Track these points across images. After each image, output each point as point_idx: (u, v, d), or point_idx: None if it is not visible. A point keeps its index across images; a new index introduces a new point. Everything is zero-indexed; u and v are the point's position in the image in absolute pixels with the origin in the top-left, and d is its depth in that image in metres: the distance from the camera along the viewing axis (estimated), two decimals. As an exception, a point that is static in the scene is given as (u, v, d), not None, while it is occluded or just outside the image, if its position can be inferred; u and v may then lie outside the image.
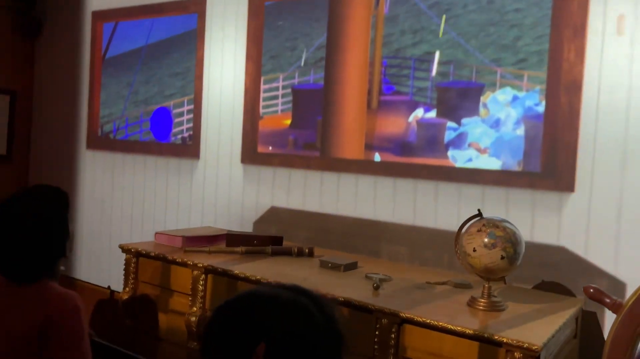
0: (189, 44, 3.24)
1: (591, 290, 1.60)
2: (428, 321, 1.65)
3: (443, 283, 2.05)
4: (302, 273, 2.10)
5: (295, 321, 0.96)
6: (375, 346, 1.74)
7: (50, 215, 1.62)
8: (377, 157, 2.54)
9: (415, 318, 1.67)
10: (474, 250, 1.71)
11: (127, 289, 2.37)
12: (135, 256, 2.37)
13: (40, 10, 4.04)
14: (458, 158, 2.34)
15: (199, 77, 3.19)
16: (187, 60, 3.25)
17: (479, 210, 1.79)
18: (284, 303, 0.97)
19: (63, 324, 1.52)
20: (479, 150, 2.31)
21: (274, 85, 2.91)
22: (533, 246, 2.15)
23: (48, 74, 4.06)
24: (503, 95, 2.26)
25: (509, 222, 1.76)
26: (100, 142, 3.70)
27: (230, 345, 0.95)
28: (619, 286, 2.00)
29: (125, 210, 3.55)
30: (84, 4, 3.79)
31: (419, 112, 2.45)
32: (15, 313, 1.54)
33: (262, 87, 2.94)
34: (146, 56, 3.45)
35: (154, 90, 3.41)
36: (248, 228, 2.94)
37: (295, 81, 2.83)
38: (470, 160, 2.31)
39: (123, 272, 2.40)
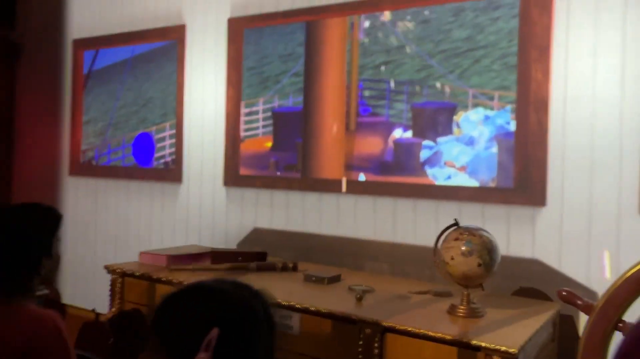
0: (170, 62, 3.31)
1: (564, 293, 1.67)
2: (409, 328, 1.71)
3: (424, 293, 2.11)
4: (286, 287, 2.15)
5: (239, 311, 1.04)
6: (360, 356, 1.78)
7: (26, 230, 1.59)
8: (362, 177, 2.61)
9: (397, 327, 1.73)
10: (452, 258, 1.79)
11: (113, 309, 2.38)
12: (120, 277, 2.39)
13: (20, 34, 4.08)
14: (438, 176, 2.43)
15: (179, 102, 3.26)
16: (168, 83, 3.32)
17: (455, 220, 1.87)
18: (229, 295, 1.06)
19: (45, 347, 1.47)
20: (454, 168, 2.40)
21: (255, 109, 2.99)
22: (509, 260, 2.23)
23: (29, 100, 4.09)
24: (475, 114, 2.37)
25: (485, 230, 1.84)
26: (83, 168, 3.73)
27: (180, 332, 1.01)
28: (592, 296, 2.08)
29: (109, 234, 3.56)
30: (65, 31, 3.85)
31: (397, 133, 2.54)
32: None
33: (243, 110, 3.02)
34: (129, 74, 3.51)
35: (135, 116, 3.46)
36: (231, 249, 2.98)
37: (275, 104, 2.92)
38: (449, 177, 2.40)
39: (109, 293, 2.41)
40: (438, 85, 2.45)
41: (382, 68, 2.60)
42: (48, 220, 1.73)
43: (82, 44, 3.75)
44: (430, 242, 2.36)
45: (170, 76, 3.31)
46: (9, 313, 1.51)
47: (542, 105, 2.21)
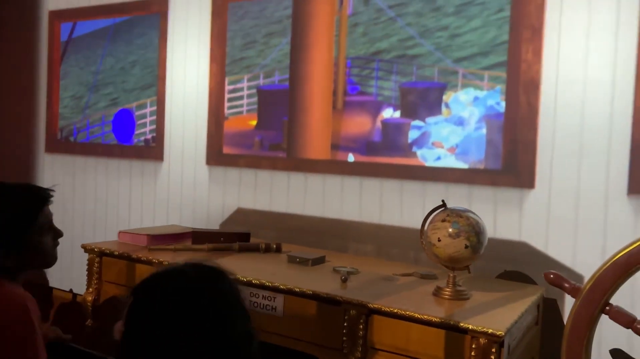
0: (152, 35, 3.21)
1: (551, 276, 1.66)
2: (395, 310, 1.68)
3: (409, 275, 2.09)
4: (270, 268, 2.10)
5: (168, 279, 1.03)
6: (344, 338, 1.75)
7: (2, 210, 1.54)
8: (351, 157, 2.56)
9: (383, 308, 1.70)
10: (439, 240, 1.75)
11: (90, 290, 2.31)
12: (98, 256, 2.32)
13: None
14: (427, 157, 2.39)
15: (161, 78, 3.17)
16: (149, 57, 3.23)
17: (443, 201, 1.84)
18: (166, 269, 1.07)
19: (8, 327, 1.43)
20: (442, 149, 2.36)
21: (239, 85, 2.91)
22: (496, 242, 2.21)
23: (3, 75, 3.95)
24: (465, 95, 2.32)
25: (472, 212, 1.81)
26: (60, 145, 3.62)
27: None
28: (577, 278, 2.07)
29: (87, 212, 3.47)
30: (40, 2, 3.71)
31: (386, 112, 2.49)
32: None
33: (227, 87, 2.94)
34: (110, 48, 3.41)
35: (115, 91, 3.36)
36: (214, 230, 2.92)
37: (260, 82, 2.84)
38: (439, 158, 2.36)
39: (86, 273, 2.35)
40: (428, 64, 2.40)
41: (371, 46, 2.54)
42: (29, 200, 1.65)
43: (59, 16, 3.62)
44: (416, 224, 2.33)
45: (152, 50, 3.21)
46: None
47: (533, 87, 2.18)
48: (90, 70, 3.49)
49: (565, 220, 2.13)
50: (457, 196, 2.32)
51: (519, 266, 2.21)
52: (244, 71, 2.89)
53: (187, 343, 0.95)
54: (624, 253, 1.59)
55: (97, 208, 3.43)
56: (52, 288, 3.57)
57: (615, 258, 1.59)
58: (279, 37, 2.79)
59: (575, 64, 2.12)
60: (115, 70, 3.38)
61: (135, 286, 1.04)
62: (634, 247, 1.57)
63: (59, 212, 3.57)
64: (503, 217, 2.25)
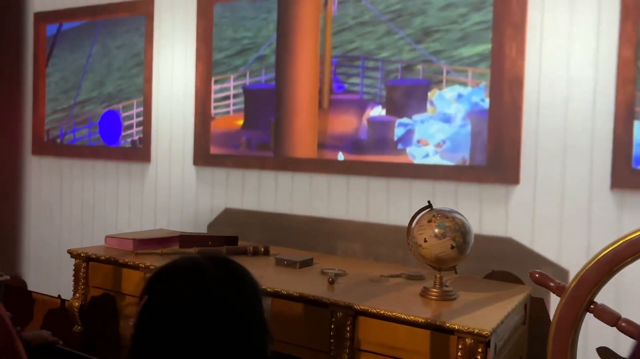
0: (138, 36, 3.19)
1: (537, 275, 1.67)
2: (382, 312, 1.68)
3: (396, 276, 2.09)
4: (258, 271, 2.09)
5: (184, 271, 0.96)
6: (332, 340, 1.76)
7: None
8: (341, 156, 2.55)
9: (370, 310, 1.70)
10: (425, 241, 1.76)
11: (77, 295, 2.31)
12: (85, 261, 2.31)
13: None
14: (416, 154, 2.39)
15: (147, 79, 3.14)
16: (135, 58, 3.20)
17: (429, 202, 1.84)
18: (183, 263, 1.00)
19: None
20: (428, 146, 2.36)
21: (225, 85, 2.90)
22: (482, 238, 2.22)
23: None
24: (450, 92, 2.32)
25: (458, 213, 1.82)
26: (47, 147, 3.59)
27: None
28: (563, 274, 2.09)
29: (74, 216, 3.45)
30: (25, 4, 3.67)
31: (372, 111, 2.49)
32: None
33: (213, 87, 2.93)
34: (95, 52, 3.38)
35: (102, 93, 3.34)
36: (202, 231, 2.91)
37: (247, 81, 2.83)
38: (427, 156, 2.36)
39: (73, 278, 2.34)
40: (412, 61, 2.39)
41: (356, 44, 2.53)
42: None
43: (44, 17, 3.58)
44: (403, 222, 2.34)
45: (137, 53, 3.19)
46: None
47: (516, 83, 2.18)
48: (77, 70, 3.46)
49: (550, 215, 2.14)
50: (444, 193, 2.32)
51: (506, 263, 2.22)
52: (230, 71, 2.87)
53: (201, 347, 0.88)
54: (608, 251, 1.60)
55: (84, 211, 3.41)
56: (30, 292, 3.55)
57: (599, 257, 1.60)
58: (265, 36, 2.77)
59: (557, 62, 2.12)
60: (101, 71, 3.35)
61: (149, 283, 0.95)
62: (618, 245, 1.58)
63: (46, 215, 3.56)
64: (489, 213, 2.26)
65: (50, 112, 3.58)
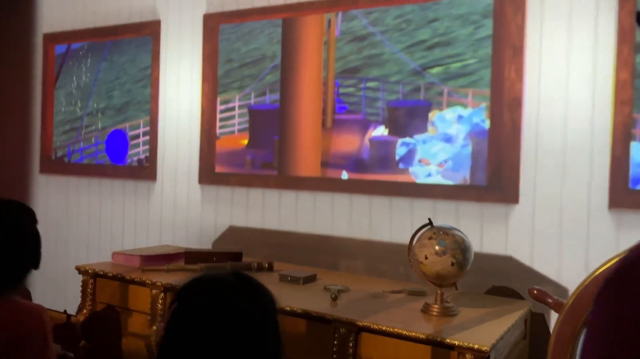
0: (145, 57, 3.26)
1: (535, 292, 1.70)
2: (384, 328, 1.71)
3: (399, 292, 2.12)
4: (261, 287, 2.13)
5: (210, 283, 1.08)
6: (334, 356, 1.78)
7: (25, 224, 1.61)
8: (345, 175, 2.60)
9: (372, 326, 1.73)
10: (426, 258, 1.80)
11: (84, 311, 2.34)
12: (92, 277, 2.35)
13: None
14: (418, 174, 2.43)
15: (154, 99, 3.21)
16: (142, 79, 3.27)
17: (429, 219, 1.88)
18: (210, 275, 1.12)
19: (26, 337, 1.51)
20: (429, 166, 2.41)
21: (230, 105, 2.96)
22: (482, 256, 2.25)
23: (-2, 98, 3.99)
24: (450, 113, 2.38)
25: (458, 230, 1.86)
26: (54, 166, 3.65)
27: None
28: (562, 291, 2.11)
29: (81, 233, 3.50)
30: (35, 25, 3.76)
31: (374, 131, 2.54)
32: None
33: (219, 107, 2.99)
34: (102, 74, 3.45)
35: (108, 112, 3.41)
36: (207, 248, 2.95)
37: (252, 101, 2.89)
38: (429, 175, 2.41)
39: (80, 294, 2.38)
40: (413, 83, 2.45)
41: (359, 66, 2.59)
42: (30, 214, 1.72)
43: (53, 39, 3.67)
44: (405, 239, 2.38)
45: (144, 71, 3.26)
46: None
47: (516, 104, 2.23)
48: (85, 89, 3.54)
49: (550, 234, 2.18)
50: (445, 212, 2.36)
51: (506, 281, 2.25)
52: (236, 91, 2.94)
53: (222, 351, 0.99)
54: (605, 268, 1.64)
55: (90, 228, 3.46)
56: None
57: (596, 273, 1.64)
58: (270, 57, 2.84)
59: (556, 84, 2.18)
60: (109, 90, 3.42)
61: (179, 291, 1.08)
62: (614, 262, 1.62)
63: (53, 233, 3.60)
64: (489, 232, 2.30)
65: (58, 131, 3.65)
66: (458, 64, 2.36)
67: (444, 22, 2.39)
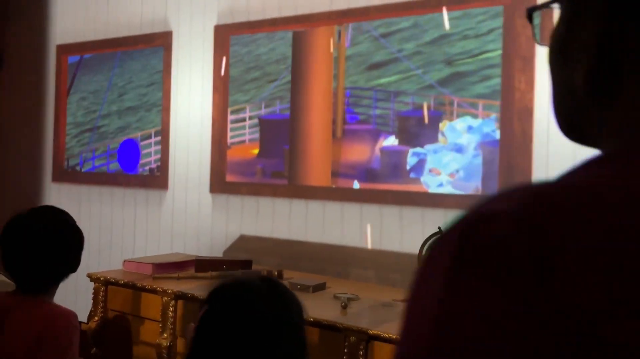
0: (156, 67, 3.30)
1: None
2: (394, 336, 1.71)
3: (409, 302, 2.12)
4: (271, 296, 2.14)
5: (240, 288, 1.13)
6: (345, 364, 1.78)
7: (70, 228, 1.75)
8: (356, 185, 2.61)
9: (382, 335, 1.73)
10: (437, 267, 1.79)
11: (95, 318, 2.35)
12: (103, 285, 2.37)
13: (0, 41, 4.05)
14: (430, 184, 2.44)
15: (166, 109, 3.24)
16: (154, 88, 3.31)
17: (439, 228, 1.88)
18: (237, 278, 1.20)
19: (54, 338, 1.59)
20: (440, 175, 2.41)
21: (241, 115, 2.98)
22: (493, 266, 2.24)
23: (11, 107, 4.05)
24: (461, 123, 2.38)
25: (469, 239, 1.85)
26: (67, 174, 3.69)
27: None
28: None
29: (92, 241, 3.51)
30: (48, 37, 3.82)
31: (389, 140, 2.55)
32: (14, 326, 1.59)
33: (229, 117, 3.01)
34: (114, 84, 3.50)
35: (120, 122, 3.44)
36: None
37: (262, 111, 2.92)
38: (441, 185, 2.41)
39: (92, 302, 2.39)
40: (424, 93, 2.46)
41: (369, 76, 2.61)
42: (70, 219, 1.80)
43: (66, 50, 3.72)
44: (415, 249, 2.37)
45: (156, 81, 3.30)
46: (33, 305, 1.66)
47: (526, 114, 2.24)
48: (97, 99, 3.58)
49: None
50: (456, 222, 2.36)
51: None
52: (246, 101, 2.96)
53: (250, 352, 1.03)
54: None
55: (102, 236, 3.48)
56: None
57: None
58: (280, 68, 2.87)
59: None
60: (121, 101, 3.46)
61: (209, 295, 1.12)
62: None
63: (65, 241, 3.63)
64: (501, 242, 2.28)
65: (70, 139, 3.69)
66: (468, 74, 2.36)
67: (456, 32, 2.40)
